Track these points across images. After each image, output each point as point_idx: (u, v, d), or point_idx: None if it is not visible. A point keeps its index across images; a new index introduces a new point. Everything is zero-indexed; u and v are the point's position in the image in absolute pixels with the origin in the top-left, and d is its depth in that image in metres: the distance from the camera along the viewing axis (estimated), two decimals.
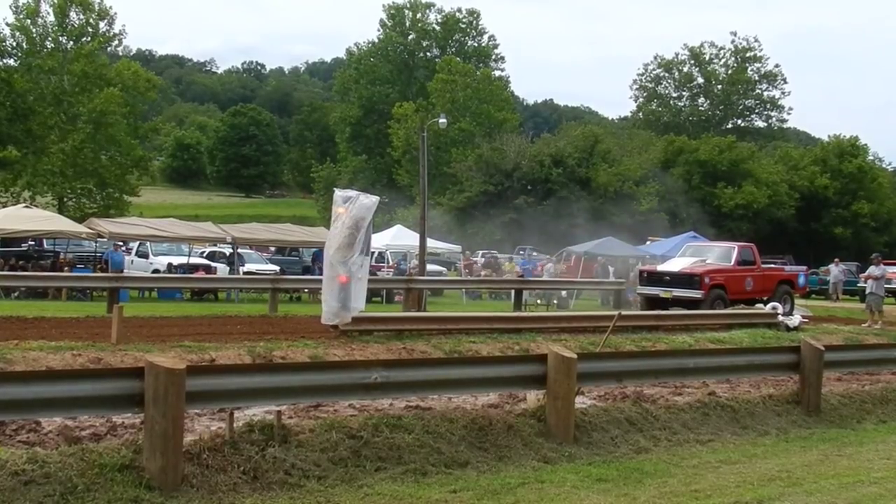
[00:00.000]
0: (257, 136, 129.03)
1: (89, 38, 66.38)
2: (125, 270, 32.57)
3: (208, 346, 14.69)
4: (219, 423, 9.69)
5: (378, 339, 17.71)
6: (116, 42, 70.05)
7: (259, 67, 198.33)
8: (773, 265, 33.89)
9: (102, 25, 67.29)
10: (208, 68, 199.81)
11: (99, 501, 7.33)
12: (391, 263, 40.95)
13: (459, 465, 9.30)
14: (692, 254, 30.48)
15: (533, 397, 11.15)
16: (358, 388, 9.73)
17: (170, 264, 35.06)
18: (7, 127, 63.93)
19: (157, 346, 14.35)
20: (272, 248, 43.60)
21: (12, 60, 67.09)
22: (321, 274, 21.52)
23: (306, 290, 33.93)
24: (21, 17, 65.91)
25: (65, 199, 64.37)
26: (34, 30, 66.22)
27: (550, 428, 10.42)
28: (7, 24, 66.31)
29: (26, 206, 38.23)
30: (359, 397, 10.54)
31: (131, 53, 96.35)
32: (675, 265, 29.59)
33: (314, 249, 37.33)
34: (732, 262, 28.85)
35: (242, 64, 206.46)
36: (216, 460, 8.30)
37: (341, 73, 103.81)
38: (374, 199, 18.67)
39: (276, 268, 36.21)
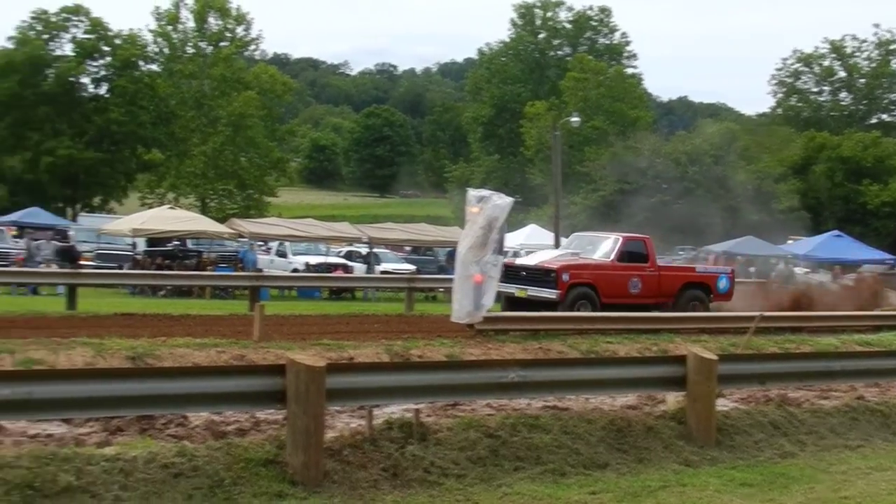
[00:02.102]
0: (391, 136, 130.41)
1: (227, 43, 68.19)
2: (263, 270, 33.31)
3: (346, 344, 14.87)
4: (358, 421, 9.80)
5: (514, 338, 17.67)
6: (253, 46, 71.82)
7: (391, 69, 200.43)
8: (682, 265, 28.98)
9: (240, 30, 69.12)
10: (342, 70, 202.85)
11: (245, 495, 7.50)
12: None
13: (598, 467, 9.21)
14: (577, 245, 24.86)
15: (672, 399, 10.97)
16: (495, 388, 9.72)
17: (307, 264, 35.69)
18: (151, 130, 66.20)
19: (298, 343, 14.59)
20: (407, 248, 44.02)
21: (155, 66, 69.42)
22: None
23: (441, 290, 34.14)
24: (162, 23, 68.13)
25: (207, 201, 66.23)
26: (175, 36, 68.40)
27: (691, 430, 10.22)
28: (150, 31, 68.65)
29: (171, 208, 39.52)
30: (496, 396, 10.54)
31: (267, 57, 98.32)
32: (537, 257, 24.47)
33: (449, 249, 37.55)
34: (612, 258, 22.80)
35: (375, 66, 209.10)
36: (356, 457, 8.40)
37: (473, 72, 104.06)
38: (509, 200, 18.61)
39: (413, 267, 36.52)
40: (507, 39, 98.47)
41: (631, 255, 22.91)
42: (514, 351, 15.85)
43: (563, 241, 35.96)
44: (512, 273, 22.04)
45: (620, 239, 23.43)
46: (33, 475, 7.06)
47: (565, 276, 21.68)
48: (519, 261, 25.00)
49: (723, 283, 23.76)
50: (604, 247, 23.37)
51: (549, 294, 21.53)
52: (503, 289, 21.02)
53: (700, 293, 23.39)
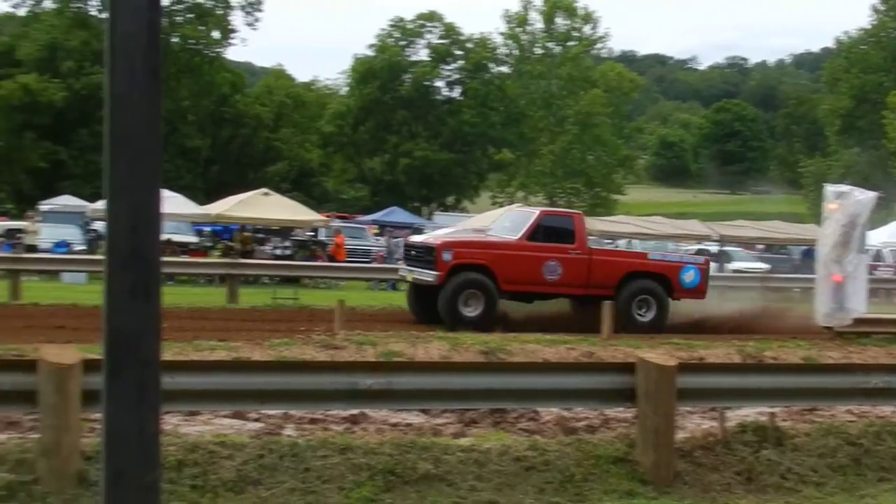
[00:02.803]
0: (742, 131, 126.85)
1: (575, 43, 68.92)
2: None
3: (696, 343, 14.60)
4: (709, 422, 9.57)
5: (877, 342, 16.64)
6: (600, 45, 72.15)
7: (741, 62, 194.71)
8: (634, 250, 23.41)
9: (587, 29, 69.66)
10: (690, 66, 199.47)
11: (595, 491, 7.53)
12: (890, 262, 38.38)
13: None
14: (501, 221, 20.93)
15: None
16: (856, 393, 9.18)
17: None
18: (502, 131, 68.15)
19: (646, 342, 14.49)
20: (759, 246, 42.59)
21: (505, 68, 71.37)
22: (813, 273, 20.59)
23: (797, 290, 32.73)
24: (512, 26, 69.91)
25: (555, 199, 67.31)
26: (524, 37, 69.94)
27: None
28: (500, 34, 70.70)
29: (520, 206, 40.42)
30: (857, 402, 9.94)
31: (614, 55, 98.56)
32: (434, 235, 21.08)
33: (804, 248, 35.95)
34: (519, 235, 18.31)
35: (724, 59, 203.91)
36: (708, 459, 8.21)
37: (830, 62, 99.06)
38: (871, 195, 17.58)
39: (766, 266, 35.31)
40: (868, 27, 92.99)
41: (549, 233, 18.35)
42: (877, 355, 14.92)
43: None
44: (406, 253, 19.75)
45: (536, 213, 19.28)
46: (394, 462, 7.43)
47: (446, 256, 17.54)
48: (413, 238, 22.08)
49: (689, 276, 18.86)
50: (517, 222, 19.14)
51: (428, 277, 17.72)
52: (401, 272, 19.35)
53: (652, 286, 18.52)
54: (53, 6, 61.40)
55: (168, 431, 7.37)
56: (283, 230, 35.62)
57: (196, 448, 7.18)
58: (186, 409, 8.02)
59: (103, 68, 2.23)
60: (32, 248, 28.80)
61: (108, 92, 2.15)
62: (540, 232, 18.29)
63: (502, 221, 20.58)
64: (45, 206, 41.43)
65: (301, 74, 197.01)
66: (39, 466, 6.62)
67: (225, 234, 38.68)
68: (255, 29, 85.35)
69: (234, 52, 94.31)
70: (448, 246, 18.00)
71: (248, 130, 66.35)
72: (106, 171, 2.15)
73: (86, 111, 54.14)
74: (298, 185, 64.14)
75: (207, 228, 40.64)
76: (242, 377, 7.66)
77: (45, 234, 32.08)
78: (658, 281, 18.63)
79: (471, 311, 17.26)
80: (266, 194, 32.63)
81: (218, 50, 63.85)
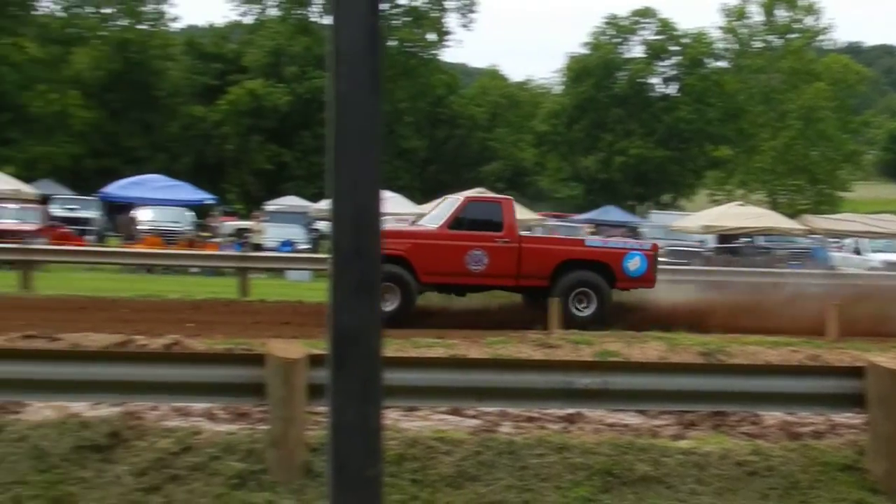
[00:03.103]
0: None
1: (797, 35, 66.54)
2: (836, 268, 31.95)
3: None
4: None
5: None
6: (823, 36, 69.36)
7: None
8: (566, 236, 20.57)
9: (809, 20, 67.07)
10: None
11: (822, 499, 7.24)
12: None
13: None
14: (435, 209, 19.54)
15: None
16: None
17: (886, 262, 33.75)
18: (719, 127, 66.55)
19: (877, 345, 13.83)
20: None
21: (723, 63, 69.69)
22: None
23: None
24: (730, 20, 68.14)
25: (776, 196, 65.19)
26: (742, 31, 68.03)
27: None
28: (717, 28, 69.08)
29: (740, 204, 39.36)
30: None
31: (839, 46, 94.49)
32: None
33: None
34: (441, 223, 17.25)
35: None
36: None
37: None
38: None
39: None
40: None
41: (474, 220, 17.15)
42: None
43: None
44: None
45: (460, 200, 18.17)
46: (612, 462, 7.35)
47: None
48: None
49: (633, 263, 17.21)
50: (444, 209, 18.06)
51: None
52: None
53: (591, 275, 16.97)
54: (277, 14, 64.10)
55: (388, 426, 7.55)
56: None
57: (415, 443, 7.31)
58: (406, 405, 8.17)
59: (325, 72, 2.30)
60: (259, 247, 30.11)
61: (332, 95, 2.21)
62: (464, 220, 17.16)
63: (434, 210, 19.51)
64: (270, 206, 43.26)
65: (515, 74, 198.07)
66: (268, 456, 6.90)
67: None
68: (469, 30, 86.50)
69: (450, 54, 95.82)
70: None
71: (463, 131, 67.33)
72: (330, 172, 2.22)
73: (308, 114, 56.31)
74: (513, 185, 64.62)
75: None
76: (460, 374, 7.75)
77: (271, 234, 33.49)
78: (598, 270, 17.08)
79: (386, 305, 15.71)
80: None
81: (433, 52, 65.12)
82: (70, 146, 54.93)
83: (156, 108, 58.92)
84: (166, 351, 9.00)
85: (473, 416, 8.54)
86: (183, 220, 36.34)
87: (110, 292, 18.69)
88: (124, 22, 61.34)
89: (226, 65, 62.96)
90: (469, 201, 18.07)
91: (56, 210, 37.54)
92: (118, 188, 39.28)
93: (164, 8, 62.06)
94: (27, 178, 40.87)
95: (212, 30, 70.91)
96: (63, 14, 62.50)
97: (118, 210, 38.80)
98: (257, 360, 7.19)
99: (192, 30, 72.16)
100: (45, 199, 37.17)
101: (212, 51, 65.04)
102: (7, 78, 54.01)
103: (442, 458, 7.17)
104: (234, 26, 67.81)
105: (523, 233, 18.10)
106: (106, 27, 61.73)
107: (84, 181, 48.91)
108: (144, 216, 35.46)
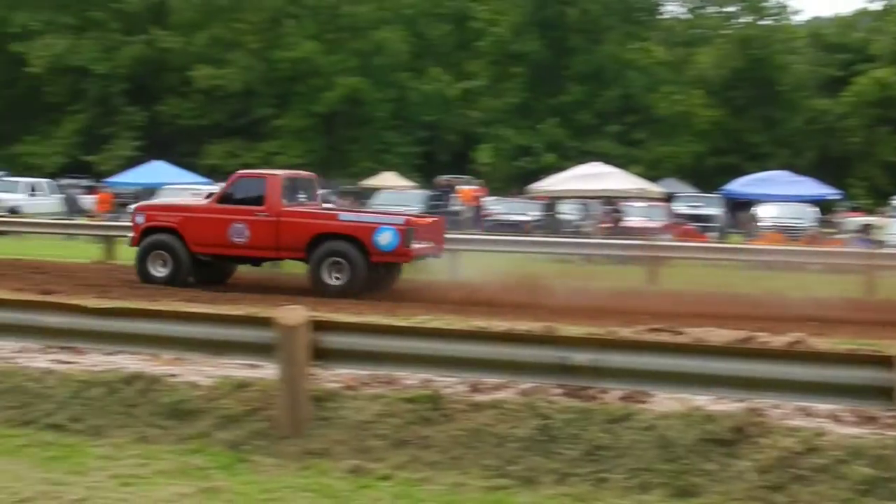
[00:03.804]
0: None
1: None
2: None
3: None
4: None
5: None
6: None
7: None
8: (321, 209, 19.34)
9: None
10: None
11: None
12: None
13: None
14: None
15: None
16: None
17: None
18: None
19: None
20: None
21: None
22: None
23: None
24: None
25: None
26: None
27: None
28: None
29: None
30: None
31: None
32: None
33: None
34: (213, 198, 18.98)
35: None
36: None
37: None
38: None
39: None
40: None
41: (240, 195, 18.39)
42: None
43: None
44: None
45: (233, 178, 19.31)
46: None
47: (139, 219, 18.84)
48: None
49: (385, 238, 17.40)
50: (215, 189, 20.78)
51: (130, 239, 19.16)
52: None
53: (345, 247, 17.49)
54: None
55: None
56: None
57: None
58: None
59: None
60: (881, 243, 28.42)
61: None
62: (231, 195, 18.46)
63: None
64: None
65: None
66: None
67: None
68: None
69: None
70: (141, 210, 19.53)
71: None
72: None
73: None
74: None
75: None
76: None
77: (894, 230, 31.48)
78: (350, 242, 17.51)
79: (160, 271, 18.02)
80: None
81: None
82: (693, 145, 56.49)
83: (778, 103, 58.42)
84: (789, 349, 8.84)
85: None
86: (805, 216, 35.60)
87: (729, 287, 18.83)
88: (747, 19, 61.65)
89: (852, 54, 60.73)
90: (238, 177, 19.23)
91: (680, 207, 38.57)
92: (741, 185, 39.62)
93: (786, 1, 61.36)
94: (652, 177, 42.72)
95: (836, 20, 68.65)
96: (688, 16, 64.35)
97: (740, 207, 39.04)
98: (885, 361, 6.80)
99: (816, 21, 70.37)
100: (669, 197, 38.43)
101: (836, 41, 63.20)
102: (636, 82, 56.97)
103: None
104: (861, 14, 65.11)
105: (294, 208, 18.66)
106: (729, 25, 62.53)
107: (706, 179, 49.91)
108: (766, 213, 35.29)
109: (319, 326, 7.77)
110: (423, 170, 54.75)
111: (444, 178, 46.16)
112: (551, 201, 35.41)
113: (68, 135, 56.56)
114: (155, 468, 6.99)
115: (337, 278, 17.40)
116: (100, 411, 8.01)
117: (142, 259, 18.28)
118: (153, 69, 57.88)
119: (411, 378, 8.19)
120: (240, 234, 17.95)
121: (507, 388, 8.00)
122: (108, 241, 23.80)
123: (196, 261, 18.20)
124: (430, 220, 20.58)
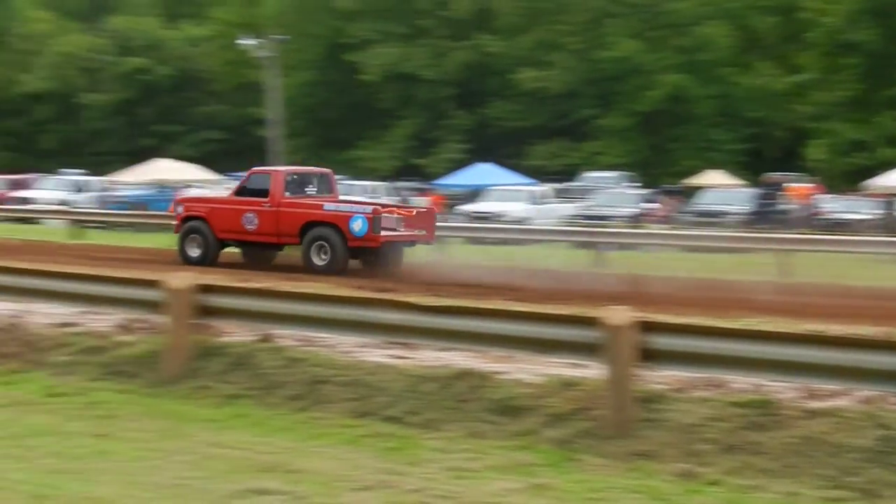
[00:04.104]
0: None
1: None
2: None
3: None
4: None
5: None
6: None
7: None
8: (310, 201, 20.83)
9: None
10: None
11: None
12: None
13: None
14: None
15: None
16: None
17: None
18: None
19: None
20: None
21: None
22: None
23: None
24: None
25: None
26: None
27: None
28: None
29: None
30: None
31: None
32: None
33: None
34: (232, 191, 21.97)
35: None
36: None
37: None
38: None
39: None
40: None
41: (252, 189, 20.87)
42: None
43: None
44: None
45: (246, 175, 22.20)
46: None
47: (179, 209, 21.53)
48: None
49: (357, 225, 19.28)
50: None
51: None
52: None
53: (327, 233, 19.61)
54: None
55: None
56: None
57: None
58: None
59: None
60: None
61: None
62: (246, 188, 20.89)
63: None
64: None
65: None
66: None
67: None
68: None
69: None
70: (181, 202, 22.24)
71: None
72: None
73: None
74: None
75: None
76: None
77: None
78: (332, 228, 19.69)
79: (195, 251, 20.37)
80: None
81: None
82: None
83: None
84: None
85: None
86: None
87: None
88: None
89: None
90: (252, 173, 21.78)
91: None
92: None
93: None
94: None
95: None
96: None
97: None
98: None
99: None
100: None
101: None
102: None
103: None
104: None
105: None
106: None
107: None
108: None
109: (648, 327, 7.72)
110: (750, 167, 53.09)
111: (772, 176, 44.60)
112: (889, 199, 33.43)
113: (399, 139, 59.44)
114: (485, 463, 7.17)
115: (322, 259, 19.37)
116: (433, 405, 8.30)
117: (182, 242, 20.74)
118: (479, 73, 59.71)
119: (740, 382, 7.97)
120: (251, 222, 20.21)
121: (845, 395, 7.62)
122: None
123: (223, 245, 20.69)
124: (415, 209, 22.22)
